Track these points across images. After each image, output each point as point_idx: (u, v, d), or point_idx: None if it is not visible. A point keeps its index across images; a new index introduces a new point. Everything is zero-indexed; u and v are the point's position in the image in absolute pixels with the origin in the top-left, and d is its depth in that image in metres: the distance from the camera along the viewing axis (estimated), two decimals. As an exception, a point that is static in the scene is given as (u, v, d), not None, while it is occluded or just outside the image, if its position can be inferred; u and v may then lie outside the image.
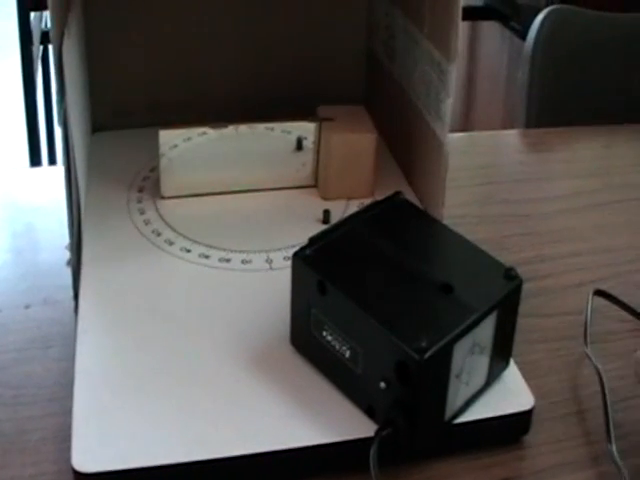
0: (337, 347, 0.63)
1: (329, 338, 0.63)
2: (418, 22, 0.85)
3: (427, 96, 0.83)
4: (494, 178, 1.04)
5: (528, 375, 0.68)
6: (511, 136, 1.23)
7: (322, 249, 0.65)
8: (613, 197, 1.01)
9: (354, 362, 0.62)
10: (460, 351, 0.59)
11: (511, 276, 0.63)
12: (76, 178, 0.78)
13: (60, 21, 0.77)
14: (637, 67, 1.46)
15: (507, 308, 0.63)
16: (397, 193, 0.71)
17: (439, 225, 0.69)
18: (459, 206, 0.84)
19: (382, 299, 0.61)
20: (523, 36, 2.11)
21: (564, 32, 1.44)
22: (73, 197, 0.79)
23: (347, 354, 0.62)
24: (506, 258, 0.78)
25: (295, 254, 0.64)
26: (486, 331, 0.62)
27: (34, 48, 2.05)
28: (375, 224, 0.68)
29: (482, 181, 1.03)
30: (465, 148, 0.79)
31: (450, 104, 0.78)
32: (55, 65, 0.77)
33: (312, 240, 0.65)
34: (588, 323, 0.75)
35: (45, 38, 2.18)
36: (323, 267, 0.63)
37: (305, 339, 0.66)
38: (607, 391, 0.68)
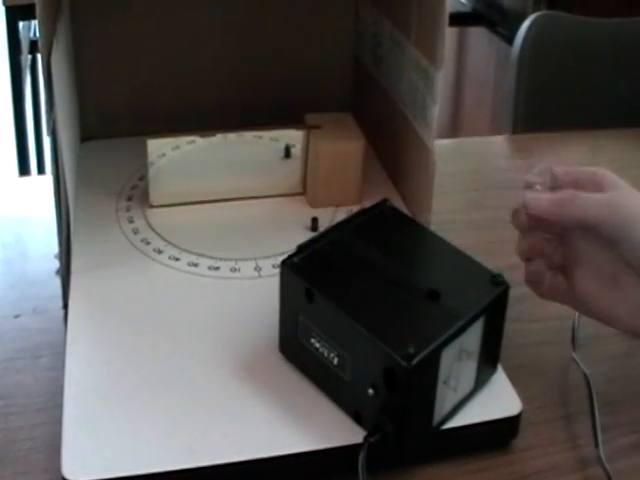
0: (325, 354, 0.63)
1: (317, 345, 0.64)
2: (405, 30, 0.85)
3: (414, 103, 0.84)
4: (481, 184, 1.05)
5: (515, 380, 0.68)
6: (498, 142, 1.23)
7: (310, 257, 0.65)
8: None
9: (342, 369, 0.62)
10: (447, 357, 0.60)
11: (498, 282, 0.64)
12: (65, 187, 0.78)
13: (49, 31, 0.78)
14: (622, 72, 1.46)
15: (494, 314, 0.64)
16: (384, 200, 0.71)
17: (426, 232, 0.69)
18: (446, 212, 0.84)
19: (369, 306, 0.61)
20: (510, 41, 2.11)
21: (550, 37, 1.45)
22: (62, 206, 0.80)
23: (335, 361, 0.63)
24: (493, 264, 0.78)
25: (283, 262, 0.65)
26: (473, 337, 0.62)
27: (23, 57, 2.05)
28: (362, 232, 0.68)
29: (469, 187, 1.03)
30: (452, 154, 0.80)
31: (437, 110, 0.79)
32: (44, 75, 0.77)
33: (300, 248, 0.66)
34: (576, 328, 0.75)
35: (34, 47, 2.18)
36: (311, 275, 0.64)
37: (293, 346, 0.66)
38: (594, 395, 0.69)
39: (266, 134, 0.89)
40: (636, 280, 0.63)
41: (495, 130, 2.15)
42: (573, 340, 0.75)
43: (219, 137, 0.87)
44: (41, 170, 2.17)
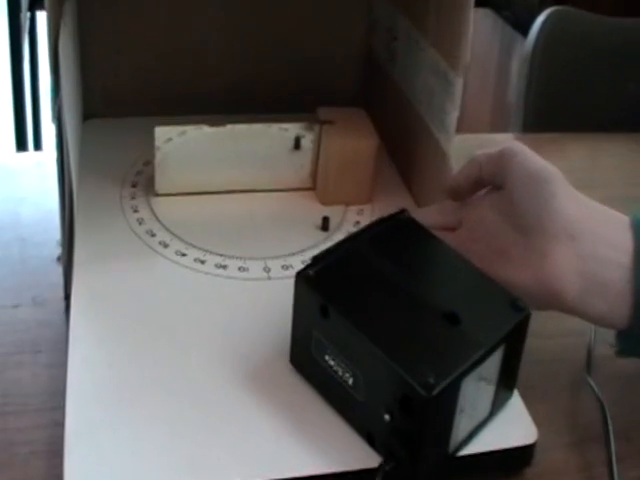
0: (339, 372, 0.61)
1: (331, 362, 0.62)
2: (422, 27, 0.83)
3: (430, 105, 0.81)
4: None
5: (529, 400, 0.67)
6: (507, 140, 1.20)
7: (325, 269, 0.63)
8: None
9: (356, 389, 0.60)
10: (467, 386, 0.58)
11: (519, 307, 0.62)
12: (70, 175, 0.76)
13: (56, 14, 0.75)
14: (635, 72, 1.44)
15: (514, 340, 0.62)
16: (402, 211, 0.69)
17: (444, 247, 0.67)
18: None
19: (387, 327, 0.60)
20: (515, 25, 2.09)
21: (564, 34, 1.42)
22: (66, 193, 0.77)
23: (350, 381, 0.61)
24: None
25: (298, 273, 0.63)
26: (493, 364, 0.60)
27: (22, 15, 2.00)
28: (379, 244, 0.66)
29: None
30: (459, 152, 0.77)
31: (456, 116, 0.76)
32: (50, 61, 0.74)
33: (315, 259, 0.64)
34: (592, 348, 0.74)
35: (33, 4, 2.12)
36: (326, 289, 0.62)
37: (305, 360, 0.64)
38: (610, 423, 0.67)
39: (276, 125, 0.86)
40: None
41: (497, 114, 2.12)
42: (588, 364, 0.73)
43: (229, 127, 0.84)
44: (37, 144, 2.12)
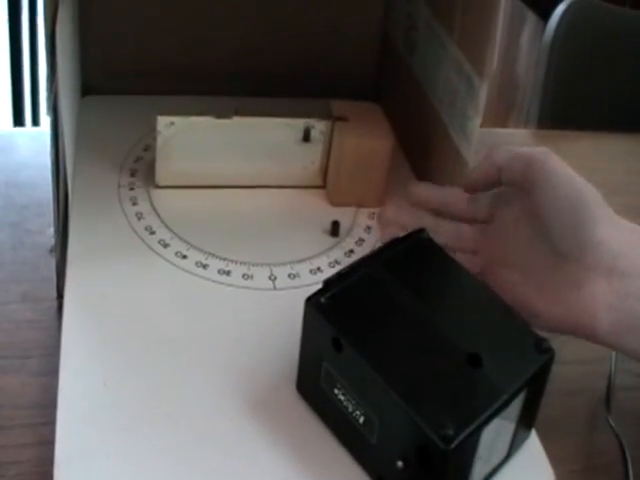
0: (350, 409, 0.58)
1: (341, 397, 0.58)
2: (446, 22, 0.78)
3: (452, 107, 0.77)
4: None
5: (545, 436, 0.63)
6: (521, 136, 1.16)
7: (338, 296, 0.59)
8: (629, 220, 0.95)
9: (368, 430, 0.57)
10: (487, 434, 0.54)
11: (543, 348, 0.58)
12: (64, 163, 0.71)
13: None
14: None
15: (537, 383, 0.58)
16: (420, 230, 0.65)
17: (465, 275, 0.63)
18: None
19: (404, 368, 0.56)
20: (527, 1, 2.03)
21: (585, 26, 1.37)
22: (60, 181, 0.73)
23: (360, 420, 0.57)
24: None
25: (308, 299, 0.59)
26: (514, 409, 0.57)
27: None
28: (397, 269, 0.62)
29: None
30: (475, 147, 0.73)
31: (479, 123, 0.72)
32: (46, 46, 0.70)
33: (327, 284, 0.60)
34: (612, 382, 0.70)
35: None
36: (339, 320, 0.58)
37: (313, 390, 0.61)
38: (630, 464, 0.64)
39: (287, 121, 0.81)
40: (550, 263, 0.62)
41: (503, 89, 2.07)
42: (608, 401, 0.70)
43: (235, 119, 0.79)
44: (35, 119, 2.04)
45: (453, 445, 0.52)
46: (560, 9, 1.37)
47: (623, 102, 1.41)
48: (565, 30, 1.36)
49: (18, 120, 1.96)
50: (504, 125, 1.91)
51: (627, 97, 1.41)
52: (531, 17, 1.98)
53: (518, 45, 2.12)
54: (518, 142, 1.10)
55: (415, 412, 0.53)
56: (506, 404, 0.55)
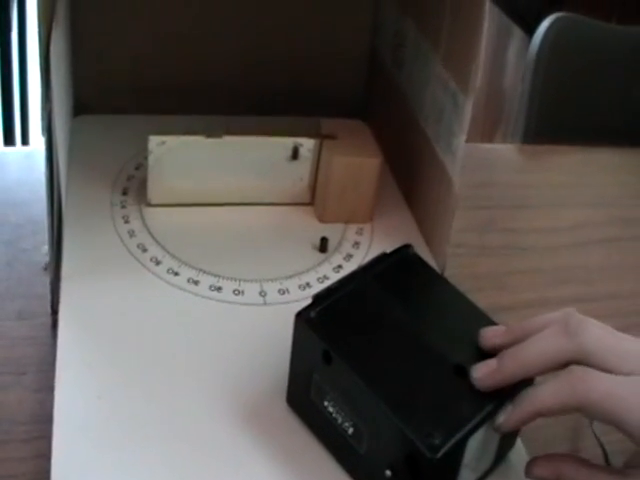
0: (339, 421, 0.59)
1: (331, 409, 0.60)
2: (432, 41, 0.80)
3: (437, 124, 0.78)
4: (494, 201, 1.00)
5: (530, 445, 0.65)
6: (509, 152, 1.18)
7: (327, 310, 0.61)
8: (620, 233, 0.97)
9: (357, 440, 0.58)
10: (473, 443, 0.56)
11: (528, 357, 0.59)
12: (59, 182, 0.73)
13: (48, 13, 0.71)
14: (638, 79, 1.42)
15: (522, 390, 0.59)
16: (406, 246, 0.67)
17: (452, 290, 0.65)
18: (457, 232, 0.78)
19: (392, 378, 0.57)
20: (513, 16, 2.05)
21: (569, 42, 1.39)
22: (54, 200, 0.74)
23: (350, 430, 0.59)
24: (507, 299, 0.74)
25: (299, 314, 0.60)
26: (500, 418, 0.58)
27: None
28: (383, 282, 0.63)
29: (481, 204, 0.98)
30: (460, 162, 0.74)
31: (464, 140, 0.73)
32: (41, 67, 0.71)
33: (317, 299, 0.61)
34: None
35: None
36: (328, 333, 0.59)
37: (303, 402, 0.62)
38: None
39: (276, 139, 0.83)
40: None
41: (490, 103, 2.09)
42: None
43: (225, 138, 0.81)
44: (25, 138, 2.06)
45: (440, 454, 0.53)
46: (544, 24, 1.39)
47: (608, 116, 1.43)
48: (549, 45, 1.38)
49: (9, 139, 1.98)
50: (491, 140, 1.93)
51: (612, 111, 1.44)
52: (517, 32, 2.01)
53: (505, 60, 2.15)
54: (504, 157, 1.12)
55: (403, 422, 0.54)
56: (491, 414, 0.56)
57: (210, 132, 0.81)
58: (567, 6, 1.49)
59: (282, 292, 0.74)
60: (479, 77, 0.71)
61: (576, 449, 0.71)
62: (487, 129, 2.04)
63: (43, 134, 0.72)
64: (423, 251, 0.78)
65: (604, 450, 0.67)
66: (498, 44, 2.17)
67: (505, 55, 2.16)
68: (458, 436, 0.54)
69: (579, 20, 1.42)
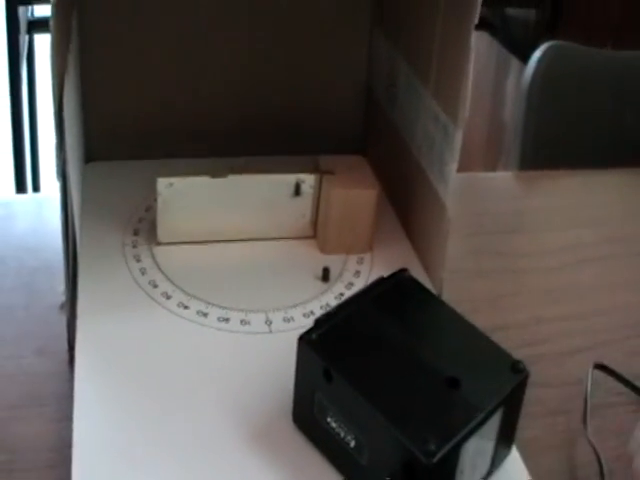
0: (341, 435, 0.63)
1: (333, 425, 0.63)
2: (423, 77, 0.84)
3: (430, 153, 0.82)
4: (489, 228, 1.04)
5: (526, 453, 0.68)
6: (503, 179, 1.22)
7: (328, 332, 0.64)
8: (611, 251, 1.00)
9: (359, 452, 0.62)
10: (467, 449, 0.59)
11: (518, 369, 0.63)
12: (73, 226, 0.77)
13: (61, 68, 0.76)
14: (631, 105, 1.46)
15: (513, 401, 0.63)
16: (402, 270, 0.70)
17: (446, 308, 0.69)
18: (453, 259, 0.82)
19: (389, 392, 0.61)
20: (512, 48, 2.10)
21: (561, 69, 1.43)
22: (69, 243, 0.78)
23: (352, 443, 0.62)
24: (501, 319, 0.78)
25: (301, 337, 0.64)
26: (493, 425, 0.62)
27: (20, 37, 2.02)
28: (381, 306, 0.67)
29: (477, 230, 1.02)
30: (458, 191, 0.78)
31: (455, 168, 0.77)
32: (55, 118, 0.75)
33: (318, 322, 0.65)
34: (588, 403, 0.75)
35: (31, 27, 2.15)
36: (329, 353, 0.63)
37: (308, 420, 0.65)
38: (606, 474, 0.68)
39: (278, 177, 0.87)
40: None
41: (492, 135, 2.13)
42: (585, 417, 0.74)
43: (230, 177, 0.85)
44: (36, 185, 2.12)
45: (435, 459, 0.57)
46: (536, 54, 1.43)
47: (599, 140, 1.46)
48: (541, 73, 1.42)
49: (20, 187, 2.05)
50: (494, 169, 1.97)
51: (603, 135, 1.47)
52: (515, 63, 2.05)
53: (504, 92, 2.19)
54: (499, 185, 1.16)
55: (400, 431, 0.58)
56: (484, 421, 0.60)
57: (215, 172, 0.85)
58: (562, 34, 1.53)
59: (287, 320, 0.78)
60: (468, 107, 0.75)
61: (571, 456, 0.74)
62: (490, 159, 2.08)
63: (58, 179, 0.76)
64: (421, 276, 0.81)
65: (598, 457, 0.70)
66: (498, 76, 2.22)
67: (505, 87, 2.21)
68: (453, 442, 0.58)
69: (570, 47, 1.46)
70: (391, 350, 0.64)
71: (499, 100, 2.20)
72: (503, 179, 1.22)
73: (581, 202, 1.13)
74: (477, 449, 0.61)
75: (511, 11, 2.22)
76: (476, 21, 0.72)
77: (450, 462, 0.59)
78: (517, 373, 0.63)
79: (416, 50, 0.86)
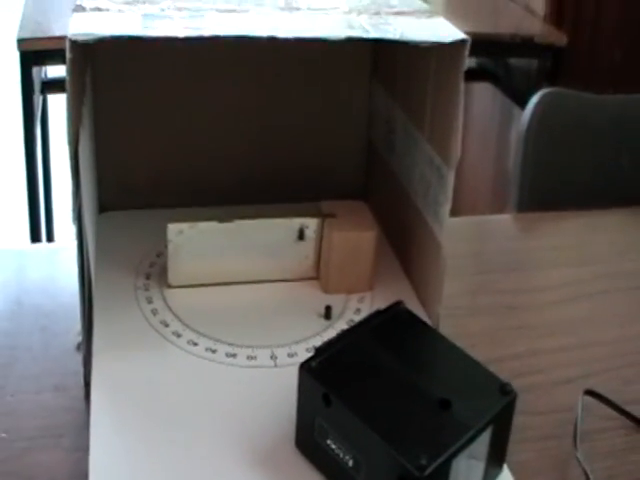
0: (340, 455, 0.66)
1: (333, 446, 0.67)
2: (418, 123, 0.89)
3: (426, 196, 0.87)
4: (487, 267, 1.08)
5: (519, 476, 0.71)
6: (503, 221, 1.27)
7: (327, 360, 0.69)
8: (602, 286, 1.05)
9: (357, 471, 0.65)
10: (458, 465, 0.63)
11: (506, 391, 0.67)
12: (89, 271, 0.81)
13: (76, 120, 0.81)
14: (627, 148, 1.50)
15: (502, 421, 0.67)
16: (398, 303, 0.75)
17: (439, 337, 0.73)
18: (451, 297, 0.86)
19: (384, 414, 0.65)
20: (515, 98, 2.16)
21: (556, 115, 1.48)
22: (85, 287, 0.83)
23: (350, 463, 0.66)
24: (497, 353, 0.82)
25: (302, 365, 0.68)
26: (482, 444, 0.65)
27: (35, 97, 2.09)
28: (377, 336, 0.71)
29: (475, 270, 1.06)
30: (456, 235, 0.82)
31: (449, 208, 0.82)
32: (71, 167, 0.80)
33: (318, 351, 0.69)
34: (578, 426, 0.78)
35: (44, 87, 2.22)
36: (328, 379, 0.67)
37: (310, 444, 0.69)
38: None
39: (281, 220, 0.92)
40: None
41: (498, 188, 2.18)
42: (575, 438, 0.78)
43: (237, 222, 0.90)
44: (50, 236, 2.19)
45: (427, 473, 0.60)
46: (533, 100, 1.48)
47: (599, 185, 1.51)
48: (537, 119, 1.47)
49: (35, 237, 2.11)
50: (501, 212, 2.01)
51: (598, 177, 1.51)
52: (518, 111, 2.10)
53: (508, 139, 2.24)
54: (496, 227, 1.21)
55: (394, 449, 0.62)
56: (473, 438, 0.64)
57: (222, 218, 0.90)
58: (563, 82, 1.58)
59: (291, 355, 0.82)
60: (459, 149, 0.80)
61: (562, 477, 0.77)
62: (497, 205, 2.11)
63: (74, 223, 0.81)
64: (419, 312, 0.85)
65: (587, 476, 0.74)
66: (502, 125, 2.27)
67: (509, 134, 2.25)
68: (443, 457, 0.62)
69: (565, 93, 1.51)
70: (386, 376, 0.68)
71: (503, 148, 2.25)
72: (500, 220, 1.27)
73: (578, 241, 1.17)
74: (468, 466, 0.65)
75: (514, 61, 2.28)
76: (465, 68, 0.76)
77: (441, 476, 0.62)
78: (505, 394, 0.67)
79: (411, 98, 0.91)
